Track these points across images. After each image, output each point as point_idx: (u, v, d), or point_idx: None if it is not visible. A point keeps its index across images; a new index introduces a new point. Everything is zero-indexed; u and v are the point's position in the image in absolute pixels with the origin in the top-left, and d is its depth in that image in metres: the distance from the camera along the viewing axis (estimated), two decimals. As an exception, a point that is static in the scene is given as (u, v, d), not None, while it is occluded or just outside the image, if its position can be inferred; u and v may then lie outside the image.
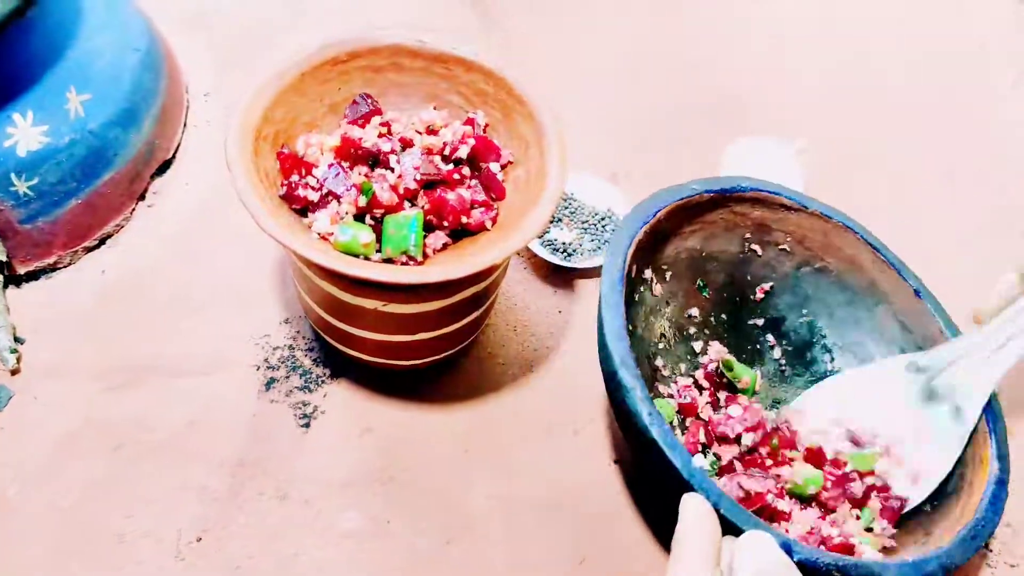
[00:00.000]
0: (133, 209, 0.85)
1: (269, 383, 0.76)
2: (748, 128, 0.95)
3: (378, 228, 0.66)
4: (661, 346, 0.74)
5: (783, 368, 0.78)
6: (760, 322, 0.78)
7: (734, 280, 0.77)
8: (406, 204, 0.67)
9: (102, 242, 0.83)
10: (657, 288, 0.72)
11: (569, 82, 1.01)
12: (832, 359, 0.76)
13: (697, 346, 0.75)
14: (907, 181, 0.97)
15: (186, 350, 0.77)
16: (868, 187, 0.95)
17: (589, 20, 1.08)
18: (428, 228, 0.67)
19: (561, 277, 0.85)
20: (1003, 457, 0.65)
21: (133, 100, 0.83)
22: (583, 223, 0.87)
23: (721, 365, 0.73)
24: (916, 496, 0.67)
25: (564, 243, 0.86)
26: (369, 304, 0.67)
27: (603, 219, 0.88)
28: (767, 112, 1.00)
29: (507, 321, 0.82)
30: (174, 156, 0.89)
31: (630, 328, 0.67)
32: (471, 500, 0.72)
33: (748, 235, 0.74)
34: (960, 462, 0.66)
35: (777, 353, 0.78)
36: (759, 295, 0.77)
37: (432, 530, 0.70)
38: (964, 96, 1.06)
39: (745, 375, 0.74)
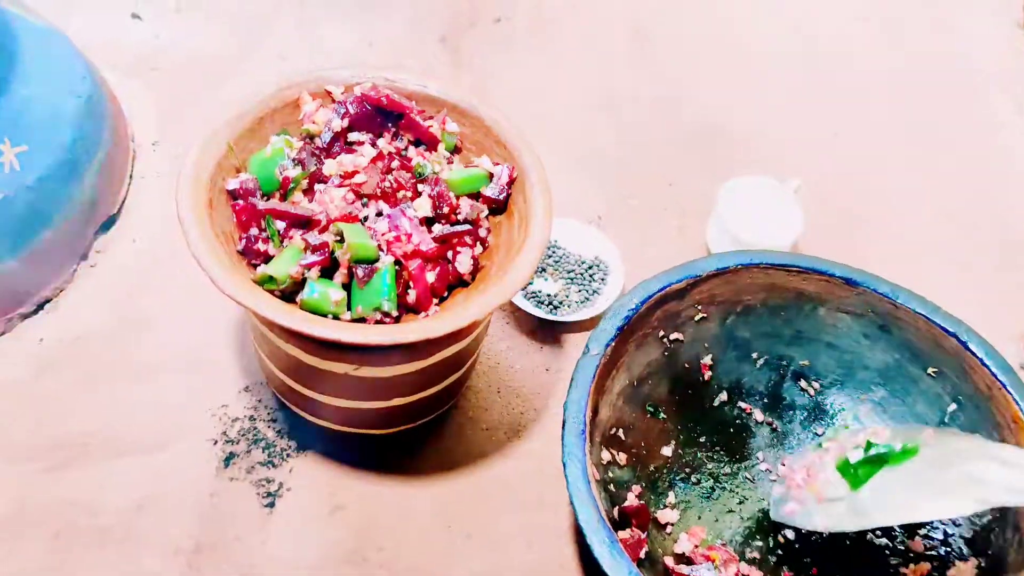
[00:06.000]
0: (74, 270, 0.82)
1: (228, 459, 0.72)
2: (736, 165, 0.94)
3: (349, 284, 0.63)
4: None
5: (774, 427, 0.76)
6: (724, 396, 0.76)
7: (675, 379, 0.74)
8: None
9: (40, 307, 0.80)
10: (621, 457, 0.70)
11: (545, 123, 0.99)
12: (809, 382, 0.75)
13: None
14: (907, 219, 0.96)
15: (135, 424, 0.74)
16: (867, 227, 0.94)
17: (562, 58, 1.07)
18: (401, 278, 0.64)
19: (547, 332, 0.83)
20: None
21: (74, 151, 0.80)
22: (568, 273, 0.85)
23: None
24: None
25: (549, 295, 0.83)
26: (339, 368, 0.64)
27: (590, 268, 0.85)
28: (755, 148, 1.00)
29: (490, 382, 0.79)
30: (120, 211, 0.86)
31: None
32: (456, 582, 0.68)
33: (661, 333, 0.72)
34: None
35: (759, 415, 0.76)
36: (707, 374, 0.75)
37: (414, 618, 0.66)
38: (963, 126, 1.06)
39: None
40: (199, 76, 0.98)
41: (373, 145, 0.69)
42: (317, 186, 0.66)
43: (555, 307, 0.83)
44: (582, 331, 0.83)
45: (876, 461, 0.64)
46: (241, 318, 0.80)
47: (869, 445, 0.65)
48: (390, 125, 0.70)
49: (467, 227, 0.66)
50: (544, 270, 0.85)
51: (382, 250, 0.63)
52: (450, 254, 0.66)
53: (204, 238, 0.61)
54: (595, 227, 0.89)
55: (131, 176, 0.88)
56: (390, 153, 0.68)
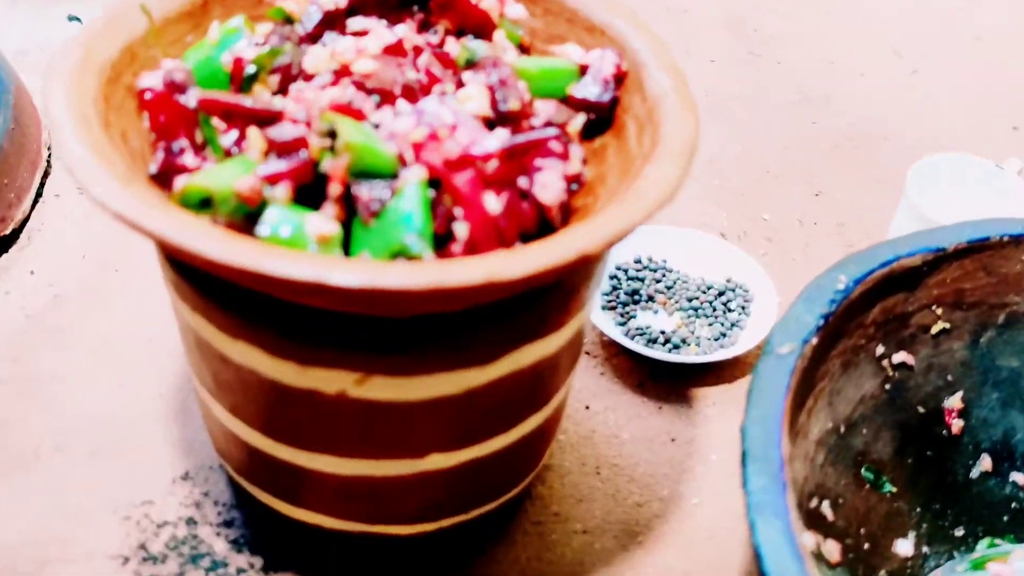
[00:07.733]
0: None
1: (144, 587, 0.44)
2: (899, 167, 0.68)
3: (348, 222, 0.36)
4: None
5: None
6: (986, 464, 0.49)
7: (904, 429, 0.48)
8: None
9: None
10: (831, 549, 0.42)
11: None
12: None
13: None
14: None
15: (7, 535, 0.47)
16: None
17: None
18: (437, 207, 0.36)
19: (666, 384, 0.56)
20: None
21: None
22: (690, 301, 0.58)
23: None
24: None
25: (664, 332, 0.55)
26: (330, 384, 0.37)
27: (722, 294, 0.58)
28: (921, 148, 0.74)
29: (583, 459, 0.52)
30: (16, 234, 0.61)
31: None
32: None
33: (879, 350, 0.45)
34: None
35: None
36: (954, 425, 0.47)
37: None
38: None
39: None
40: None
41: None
42: (293, 86, 0.40)
43: (676, 346, 0.55)
44: (720, 383, 0.55)
45: None
46: (182, 373, 0.53)
47: None
48: (415, 8, 0.44)
49: (553, 132, 0.39)
50: (652, 299, 0.58)
51: (405, 164, 0.36)
52: (524, 181, 0.38)
53: (86, 135, 0.34)
54: (720, 239, 0.62)
55: (39, 193, 0.63)
56: (416, 47, 0.42)
